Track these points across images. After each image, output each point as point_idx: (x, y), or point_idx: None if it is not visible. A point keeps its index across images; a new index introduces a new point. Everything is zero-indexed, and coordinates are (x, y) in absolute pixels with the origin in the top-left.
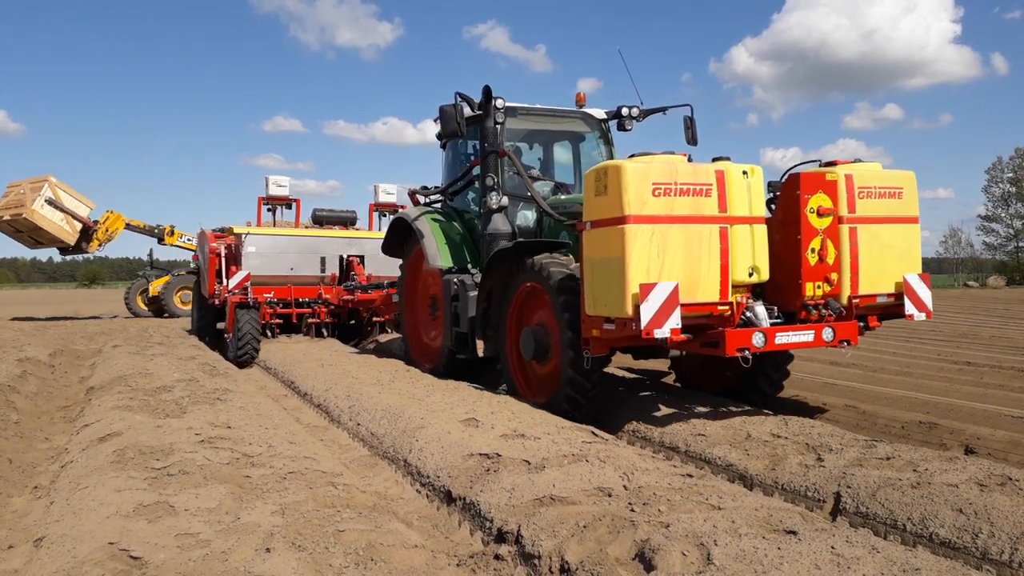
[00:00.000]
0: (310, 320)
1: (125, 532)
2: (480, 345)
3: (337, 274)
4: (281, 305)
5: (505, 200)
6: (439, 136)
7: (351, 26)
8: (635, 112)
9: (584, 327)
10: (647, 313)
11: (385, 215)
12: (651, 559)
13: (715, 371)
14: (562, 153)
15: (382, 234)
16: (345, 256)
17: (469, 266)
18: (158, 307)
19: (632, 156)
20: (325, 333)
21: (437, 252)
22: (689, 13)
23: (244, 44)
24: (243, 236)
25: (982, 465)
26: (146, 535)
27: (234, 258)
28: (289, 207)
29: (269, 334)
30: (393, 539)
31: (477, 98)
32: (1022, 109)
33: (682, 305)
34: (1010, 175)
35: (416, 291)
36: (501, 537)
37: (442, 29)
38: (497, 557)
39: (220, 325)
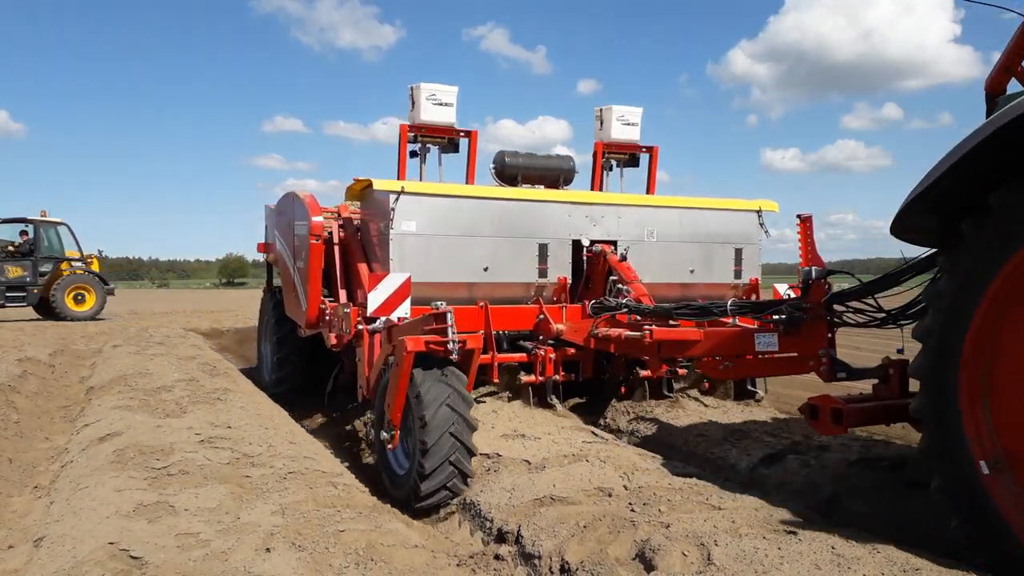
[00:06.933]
0: (524, 378)
1: (125, 532)
2: None
3: (568, 279)
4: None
5: None
6: None
7: (352, 28)
8: None
9: None
10: None
11: (618, 164)
12: (651, 559)
13: None
14: None
15: (665, 200)
16: (588, 243)
17: None
18: None
19: None
20: (557, 402)
21: None
22: (687, 13)
23: (244, 45)
24: (391, 198)
25: None
26: (146, 535)
27: (363, 248)
28: (456, 147)
29: None
30: (393, 539)
31: None
32: None
33: None
34: None
35: None
36: (501, 537)
37: (443, 31)
38: (497, 557)
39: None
